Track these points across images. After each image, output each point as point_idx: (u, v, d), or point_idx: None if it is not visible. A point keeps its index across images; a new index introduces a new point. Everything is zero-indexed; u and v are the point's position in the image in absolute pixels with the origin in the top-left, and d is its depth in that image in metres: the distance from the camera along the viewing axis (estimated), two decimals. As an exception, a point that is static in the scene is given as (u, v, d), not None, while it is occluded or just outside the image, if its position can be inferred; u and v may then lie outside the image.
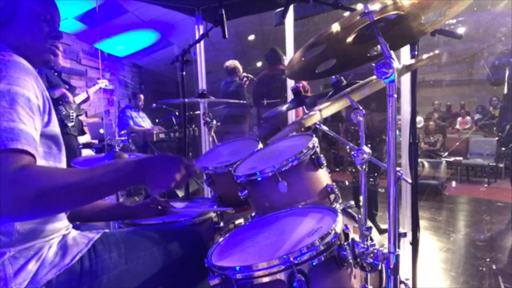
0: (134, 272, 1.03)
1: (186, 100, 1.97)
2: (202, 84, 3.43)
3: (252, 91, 4.17)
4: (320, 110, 1.37)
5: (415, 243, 1.58)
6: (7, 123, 0.78)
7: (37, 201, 0.76)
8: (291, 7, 2.90)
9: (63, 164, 1.04)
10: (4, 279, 0.85)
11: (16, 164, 0.75)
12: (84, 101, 3.86)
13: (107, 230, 1.12)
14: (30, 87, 0.87)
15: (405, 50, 2.24)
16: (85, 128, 4.67)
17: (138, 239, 1.11)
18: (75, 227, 1.09)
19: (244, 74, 4.38)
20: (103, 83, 4.20)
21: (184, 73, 2.32)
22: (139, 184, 0.97)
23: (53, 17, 1.06)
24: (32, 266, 0.89)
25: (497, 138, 6.39)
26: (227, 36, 2.03)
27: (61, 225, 1.01)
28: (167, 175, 0.94)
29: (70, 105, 3.53)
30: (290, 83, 2.99)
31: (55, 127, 0.99)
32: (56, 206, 0.83)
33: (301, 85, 1.90)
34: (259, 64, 8.00)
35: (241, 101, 2.11)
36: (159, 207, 1.50)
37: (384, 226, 3.25)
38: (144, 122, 5.16)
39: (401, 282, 1.30)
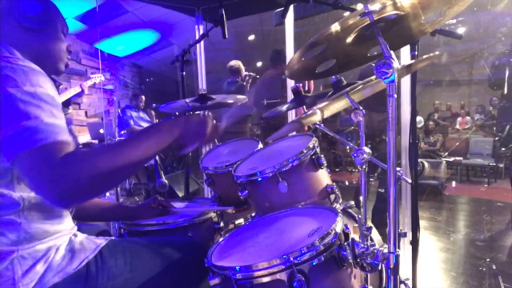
0: (138, 280, 1.04)
1: (187, 100, 1.97)
2: (202, 84, 3.43)
3: (254, 91, 4.15)
4: (320, 110, 1.37)
5: (415, 243, 1.58)
6: (46, 119, 0.82)
7: (93, 178, 0.81)
8: (291, 7, 2.90)
9: None
10: (12, 278, 0.86)
11: (61, 152, 0.81)
12: (78, 95, 3.76)
13: (113, 238, 1.12)
14: (51, 89, 0.90)
15: (405, 50, 2.24)
16: (77, 128, 4.63)
17: (143, 249, 1.12)
18: (78, 228, 1.10)
19: (246, 73, 4.38)
20: (98, 78, 4.01)
21: (184, 73, 2.31)
22: (174, 142, 1.02)
23: (67, 31, 1.15)
24: (40, 268, 0.90)
25: (497, 138, 6.40)
26: (227, 36, 2.03)
27: (67, 226, 1.02)
28: (199, 131, 1.03)
29: None
30: (290, 83, 2.99)
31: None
32: (108, 181, 0.87)
33: (300, 84, 1.90)
34: (259, 64, 8.01)
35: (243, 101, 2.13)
36: (160, 207, 1.50)
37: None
38: (143, 122, 5.16)
39: (401, 282, 1.30)
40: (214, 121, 1.09)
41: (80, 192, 0.82)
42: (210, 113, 1.10)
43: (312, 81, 3.80)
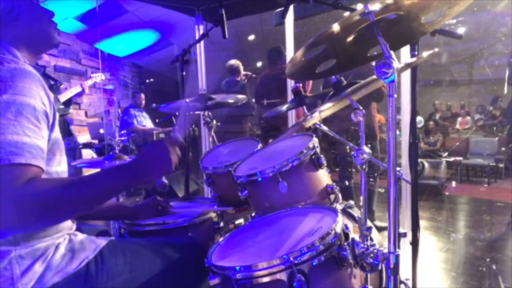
0: (138, 281, 1.04)
1: (187, 100, 1.97)
2: (202, 84, 3.43)
3: (254, 91, 4.15)
4: (320, 111, 1.37)
5: (415, 243, 1.58)
6: (11, 136, 0.79)
7: (42, 214, 0.78)
8: (291, 7, 2.90)
9: (63, 167, 1.05)
10: (11, 278, 0.86)
11: (21, 179, 0.77)
12: (79, 94, 3.78)
13: (113, 238, 1.12)
14: (36, 95, 0.87)
15: (405, 50, 2.24)
16: (77, 128, 4.62)
17: (143, 249, 1.12)
18: (77, 228, 1.09)
19: (243, 72, 4.38)
20: (99, 78, 4.03)
21: (184, 73, 2.31)
22: (142, 183, 0.99)
23: None
24: (39, 267, 0.90)
25: (497, 138, 6.40)
26: (227, 36, 2.03)
27: (65, 225, 1.01)
28: (163, 163, 0.97)
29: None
30: (291, 83, 2.99)
31: (57, 132, 0.99)
32: (61, 216, 0.86)
33: (300, 84, 1.90)
34: (259, 64, 8.00)
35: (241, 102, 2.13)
36: (159, 207, 1.50)
37: (380, 224, 3.26)
38: (146, 121, 5.17)
39: (401, 282, 1.30)
40: (173, 140, 1.02)
41: (24, 227, 0.81)
42: (166, 133, 1.03)
43: (310, 82, 3.80)
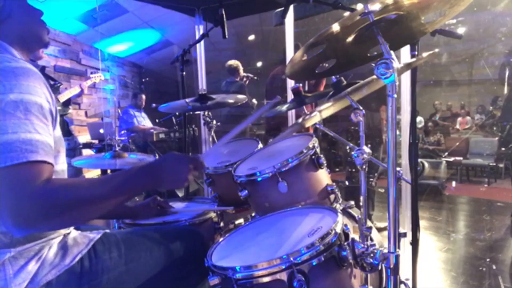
0: (134, 272, 1.04)
1: (187, 100, 1.97)
2: (202, 84, 3.42)
3: (267, 87, 4.12)
4: (320, 111, 1.37)
5: (415, 243, 1.58)
6: (24, 134, 0.79)
7: (61, 215, 0.79)
8: (291, 7, 2.90)
9: (64, 165, 1.05)
10: (4, 279, 0.86)
11: (40, 179, 0.77)
12: (78, 95, 3.79)
13: (107, 230, 1.12)
14: (41, 93, 0.87)
15: (405, 50, 2.24)
16: (77, 128, 4.62)
17: (138, 239, 1.11)
18: (76, 227, 1.09)
19: (244, 74, 4.37)
20: (98, 78, 4.02)
21: (184, 73, 2.31)
22: (156, 188, 1.00)
23: None
24: (32, 267, 0.89)
25: (497, 138, 6.40)
26: (227, 36, 2.03)
27: None
28: (179, 175, 0.98)
29: None
30: (291, 83, 2.98)
31: (58, 130, 0.99)
32: (79, 218, 0.87)
33: (300, 85, 1.89)
34: (259, 64, 8.00)
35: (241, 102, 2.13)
36: (158, 207, 1.50)
37: (380, 224, 3.26)
38: (145, 121, 5.17)
39: (401, 282, 1.30)
40: (195, 158, 1.05)
41: (43, 226, 0.81)
42: (195, 155, 1.06)
43: (324, 80, 3.75)
